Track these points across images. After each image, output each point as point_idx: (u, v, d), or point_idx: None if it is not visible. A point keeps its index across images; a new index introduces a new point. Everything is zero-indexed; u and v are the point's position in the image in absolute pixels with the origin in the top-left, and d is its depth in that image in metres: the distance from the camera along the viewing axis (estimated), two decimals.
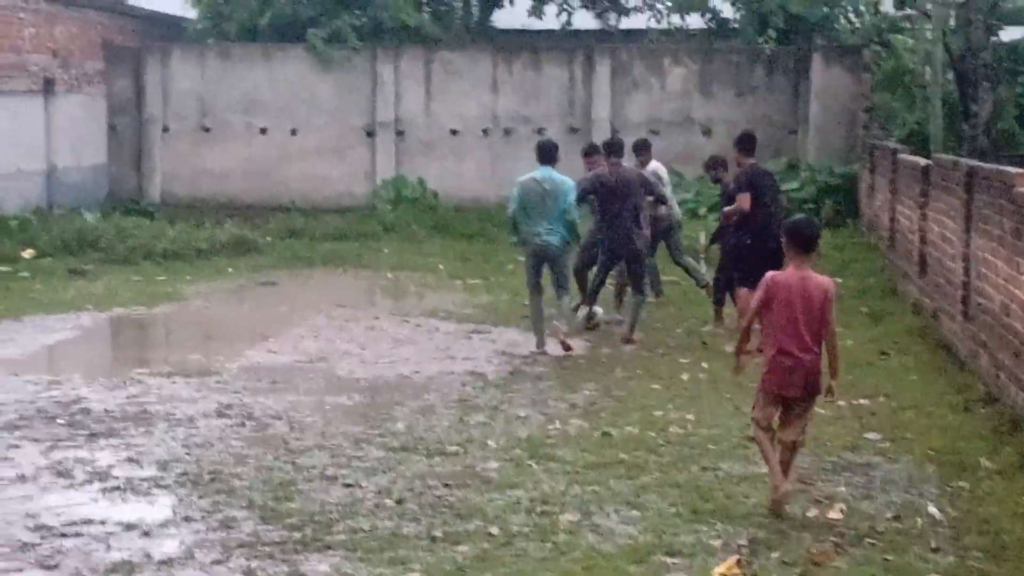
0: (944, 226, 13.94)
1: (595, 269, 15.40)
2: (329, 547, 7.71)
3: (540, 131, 25.84)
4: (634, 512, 8.41)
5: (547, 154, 14.24)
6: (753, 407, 8.69)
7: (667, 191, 16.55)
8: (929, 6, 21.09)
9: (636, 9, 29.27)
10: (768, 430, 8.49)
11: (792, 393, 8.37)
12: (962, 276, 12.63)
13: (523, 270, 14.91)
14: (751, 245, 14.04)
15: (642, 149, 17.01)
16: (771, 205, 14.28)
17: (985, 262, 11.71)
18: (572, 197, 13.96)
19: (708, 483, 9.07)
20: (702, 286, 16.94)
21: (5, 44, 22.76)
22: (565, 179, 14.06)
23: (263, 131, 26.45)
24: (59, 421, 10.81)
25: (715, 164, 16.55)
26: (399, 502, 8.57)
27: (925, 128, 21.45)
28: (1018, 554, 7.62)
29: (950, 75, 22.49)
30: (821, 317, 8.31)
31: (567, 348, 13.91)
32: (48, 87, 24.18)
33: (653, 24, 28.41)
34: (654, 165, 16.81)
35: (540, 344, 14.08)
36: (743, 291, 13.95)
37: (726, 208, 14.79)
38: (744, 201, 14.10)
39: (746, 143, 14.74)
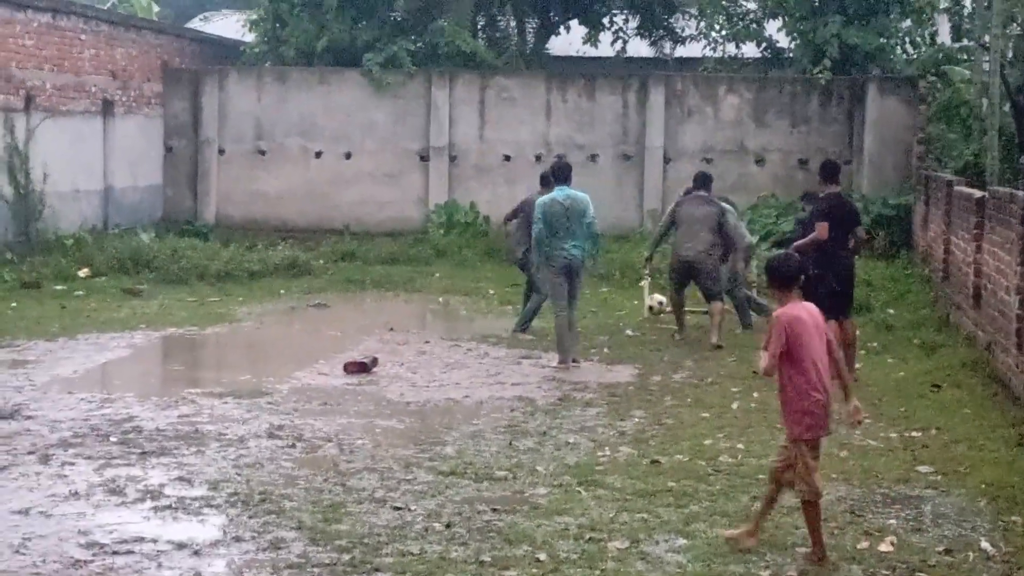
0: (999, 259, 13.83)
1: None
2: (378, 569, 7.72)
3: (593, 158, 25.93)
4: (683, 541, 8.38)
5: (564, 174, 14.92)
6: (802, 480, 7.98)
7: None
8: (986, 38, 20.97)
9: (691, 38, 29.35)
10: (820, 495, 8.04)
11: (829, 431, 8.05)
12: (1017, 309, 12.52)
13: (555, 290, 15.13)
14: (817, 274, 13.96)
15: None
16: (845, 235, 14.04)
17: None
18: (592, 210, 14.72)
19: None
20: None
21: (66, 65, 23.05)
22: (584, 195, 14.87)
23: (318, 155, 26.63)
24: (112, 439, 10.90)
25: (806, 198, 16.93)
26: (448, 526, 8.58)
27: (981, 160, 21.32)
28: None
29: (1007, 107, 22.36)
30: (829, 344, 8.08)
31: (570, 364, 14.62)
32: (107, 108, 24.46)
33: (708, 53, 28.44)
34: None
35: (564, 359, 14.66)
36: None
37: (797, 243, 14.57)
38: (822, 230, 13.79)
39: (826, 171, 14.56)
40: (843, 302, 13.85)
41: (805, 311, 8.02)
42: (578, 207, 14.63)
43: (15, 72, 21.50)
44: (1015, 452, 10.71)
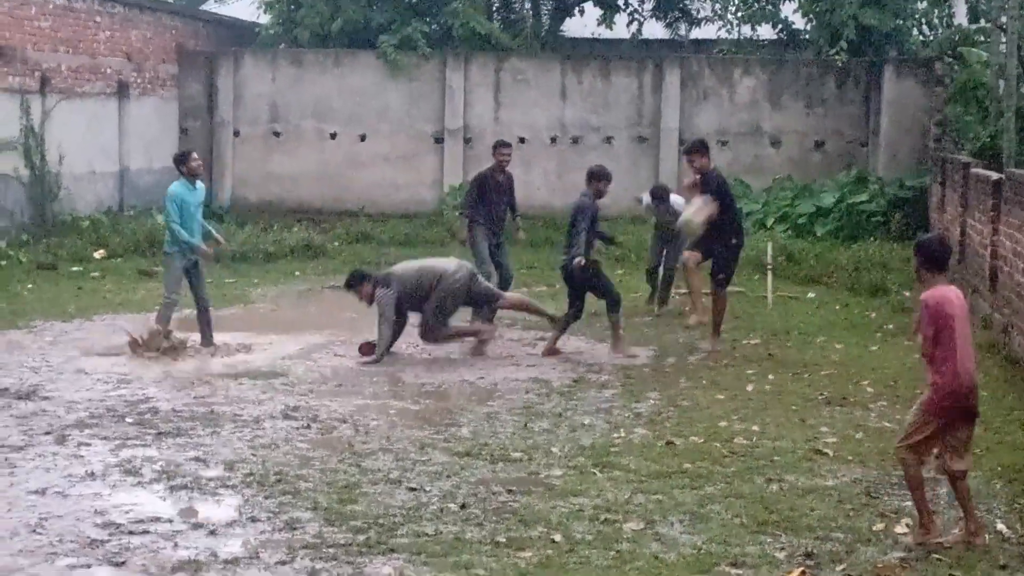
0: (1016, 241, 13.79)
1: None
2: (393, 550, 7.73)
3: (609, 140, 25.88)
4: (698, 522, 8.38)
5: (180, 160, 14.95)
6: (910, 436, 8.08)
7: None
8: (1004, 19, 20.87)
9: (707, 19, 29.24)
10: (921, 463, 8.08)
11: (971, 414, 8.07)
12: None
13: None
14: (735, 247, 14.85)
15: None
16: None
17: None
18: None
19: (773, 494, 9.02)
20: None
21: (81, 47, 23.06)
22: (202, 184, 14.99)
23: (333, 136, 26.63)
24: (128, 420, 10.93)
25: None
26: (463, 507, 8.59)
27: (998, 142, 21.22)
28: None
29: None
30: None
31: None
32: (122, 90, 24.47)
33: (723, 34, 28.35)
34: None
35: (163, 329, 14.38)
36: (723, 292, 14.76)
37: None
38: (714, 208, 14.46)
39: (707, 148, 15.10)
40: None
41: (953, 293, 8.09)
42: (201, 197, 14.71)
43: (31, 54, 21.52)
44: None
